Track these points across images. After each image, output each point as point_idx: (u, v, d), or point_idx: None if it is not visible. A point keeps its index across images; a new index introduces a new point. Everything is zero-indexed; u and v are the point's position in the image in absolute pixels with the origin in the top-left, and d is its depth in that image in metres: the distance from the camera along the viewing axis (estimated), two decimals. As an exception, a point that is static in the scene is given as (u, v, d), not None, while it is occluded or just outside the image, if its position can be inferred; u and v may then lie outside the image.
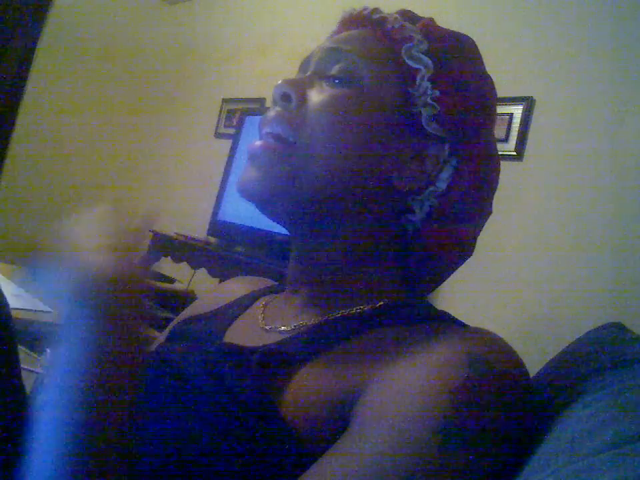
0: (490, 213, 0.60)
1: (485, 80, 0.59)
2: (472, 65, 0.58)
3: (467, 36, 0.60)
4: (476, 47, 0.60)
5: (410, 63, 0.55)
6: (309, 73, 0.58)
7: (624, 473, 0.31)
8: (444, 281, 0.62)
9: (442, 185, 0.56)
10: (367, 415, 0.41)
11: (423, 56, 0.55)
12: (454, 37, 0.58)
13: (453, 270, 0.61)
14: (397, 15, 0.57)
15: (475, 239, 0.60)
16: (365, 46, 0.56)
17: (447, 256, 0.58)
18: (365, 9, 0.59)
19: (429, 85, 0.54)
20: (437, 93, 0.54)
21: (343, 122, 0.53)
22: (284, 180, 0.53)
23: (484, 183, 0.58)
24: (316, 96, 0.55)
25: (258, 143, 0.56)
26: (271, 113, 0.56)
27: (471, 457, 0.38)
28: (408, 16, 0.59)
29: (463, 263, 0.60)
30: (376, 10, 0.59)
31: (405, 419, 0.39)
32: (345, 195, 0.55)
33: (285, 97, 0.55)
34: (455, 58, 0.56)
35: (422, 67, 0.54)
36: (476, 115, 0.56)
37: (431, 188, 0.56)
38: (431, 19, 0.59)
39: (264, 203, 0.56)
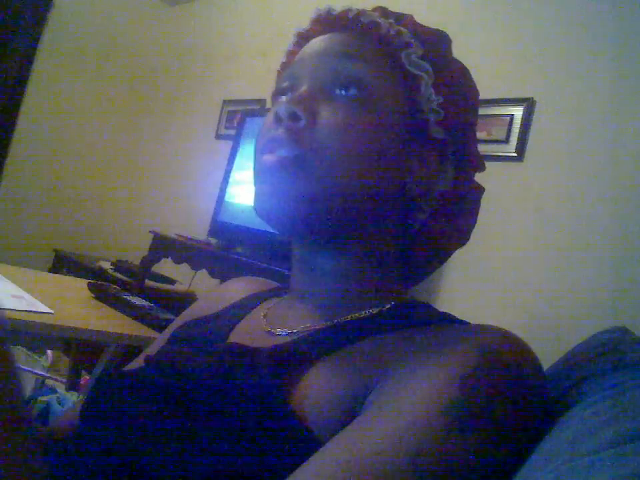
0: (483, 191, 0.61)
1: (468, 75, 0.60)
2: (457, 63, 0.59)
3: (444, 31, 0.60)
4: (451, 40, 0.60)
5: (412, 70, 0.55)
6: (309, 85, 0.54)
7: (624, 471, 0.31)
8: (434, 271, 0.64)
9: (449, 184, 0.58)
10: (375, 405, 0.41)
11: (422, 62, 0.55)
12: (439, 36, 0.58)
13: (447, 259, 0.63)
14: (390, 20, 0.57)
15: (473, 226, 0.61)
16: (368, 52, 0.54)
17: (448, 248, 0.61)
18: (349, 10, 0.57)
19: (432, 91, 0.55)
20: (441, 99, 0.55)
21: (361, 138, 0.52)
22: (303, 204, 0.51)
23: (477, 173, 0.61)
24: (329, 114, 0.52)
25: (270, 158, 0.52)
26: (279, 134, 0.52)
27: (476, 444, 0.38)
28: (387, 14, 0.58)
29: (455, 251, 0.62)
30: (363, 12, 0.56)
31: (412, 402, 0.39)
32: (365, 210, 0.54)
33: (293, 117, 0.52)
34: (447, 59, 0.57)
35: (424, 74, 0.55)
36: (470, 113, 0.58)
37: (438, 187, 0.57)
38: (411, 17, 0.58)
39: (284, 229, 0.54)
